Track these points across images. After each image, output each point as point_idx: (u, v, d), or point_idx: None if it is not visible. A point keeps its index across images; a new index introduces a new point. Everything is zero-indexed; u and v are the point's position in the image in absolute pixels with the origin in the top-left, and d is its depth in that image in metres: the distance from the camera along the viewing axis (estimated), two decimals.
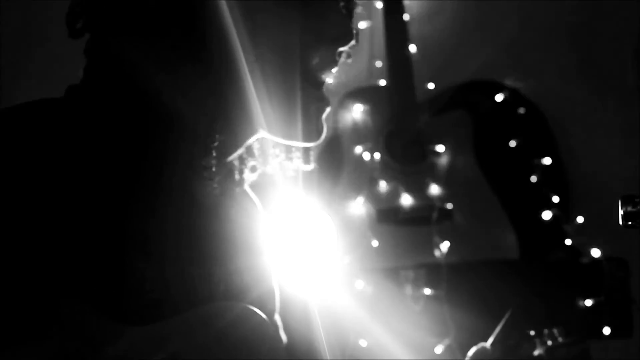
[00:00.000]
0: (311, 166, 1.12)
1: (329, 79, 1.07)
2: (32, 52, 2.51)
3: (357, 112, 2.58)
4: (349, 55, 1.08)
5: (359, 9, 1.08)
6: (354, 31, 1.06)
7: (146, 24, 0.99)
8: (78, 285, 0.92)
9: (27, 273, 0.91)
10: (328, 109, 1.06)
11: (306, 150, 1.11)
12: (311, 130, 1.04)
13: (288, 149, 1.11)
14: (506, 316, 1.39)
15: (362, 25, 2.63)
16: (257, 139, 1.09)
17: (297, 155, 1.11)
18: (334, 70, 1.06)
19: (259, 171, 1.12)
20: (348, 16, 1.06)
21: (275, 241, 1.17)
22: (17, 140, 0.95)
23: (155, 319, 0.95)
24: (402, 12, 2.57)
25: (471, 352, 1.35)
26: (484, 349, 1.34)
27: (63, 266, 0.92)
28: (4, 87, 2.35)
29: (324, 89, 1.06)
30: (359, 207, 2.48)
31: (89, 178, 0.97)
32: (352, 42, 1.06)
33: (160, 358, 0.90)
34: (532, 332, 1.35)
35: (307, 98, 1.03)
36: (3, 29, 2.46)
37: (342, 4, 1.05)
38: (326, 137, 1.07)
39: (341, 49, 1.05)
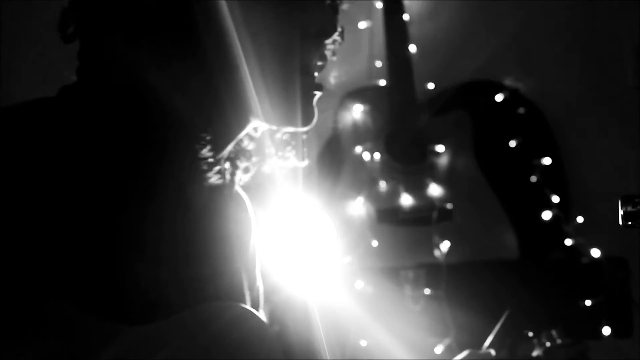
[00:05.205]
0: (305, 162, 1.12)
1: (321, 69, 1.08)
2: (32, 52, 2.51)
3: (357, 112, 2.58)
4: (333, 53, 1.09)
5: (344, 6, 1.10)
6: (338, 26, 1.08)
7: (143, 23, 0.99)
8: (73, 287, 0.92)
9: (20, 275, 0.91)
10: (319, 94, 1.07)
11: (301, 147, 1.12)
12: (303, 115, 1.05)
13: (282, 147, 1.12)
14: (504, 316, 1.38)
15: (362, 25, 2.64)
16: (250, 136, 1.10)
17: (292, 153, 1.12)
18: (323, 63, 1.07)
19: (252, 172, 1.13)
20: (333, 12, 1.07)
21: (272, 241, 1.17)
22: (9, 140, 0.95)
23: (151, 320, 0.95)
24: (402, 12, 2.57)
25: (460, 356, 1.34)
26: (474, 353, 1.34)
27: (57, 268, 0.92)
28: (3, 88, 2.35)
29: (316, 76, 1.07)
30: (359, 207, 2.48)
31: (83, 179, 0.97)
32: (337, 37, 1.07)
33: (159, 359, 0.90)
34: (530, 333, 1.35)
35: (299, 85, 1.04)
36: (3, 29, 2.46)
37: (328, 0, 1.06)
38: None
39: (327, 42, 1.07)
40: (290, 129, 1.08)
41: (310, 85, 1.06)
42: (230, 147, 1.07)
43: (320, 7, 1.06)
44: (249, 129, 1.08)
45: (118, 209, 0.98)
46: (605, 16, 2.71)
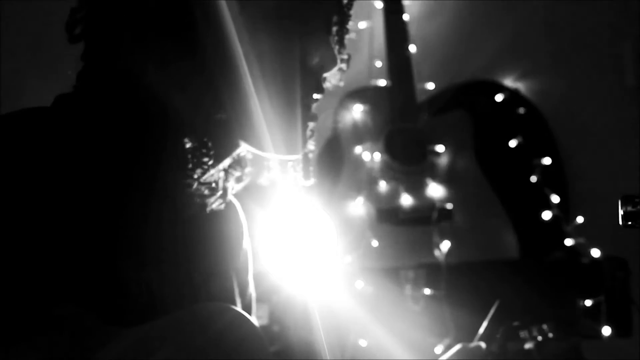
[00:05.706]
0: (311, 181, 1.12)
1: (317, 101, 1.08)
2: (33, 54, 2.51)
3: (357, 112, 2.59)
4: (340, 79, 1.10)
5: (352, 35, 1.10)
6: (343, 58, 1.08)
7: (146, 25, 0.99)
8: (72, 288, 0.92)
9: (23, 276, 0.91)
10: (313, 125, 1.07)
11: (307, 165, 1.12)
12: (292, 144, 1.05)
13: (285, 164, 1.11)
14: (493, 308, 1.38)
15: (362, 25, 2.64)
16: (245, 151, 1.10)
17: (294, 169, 1.11)
18: (320, 96, 1.07)
19: (245, 182, 1.13)
20: (338, 42, 1.07)
21: (272, 241, 1.17)
22: (10, 146, 0.95)
23: (149, 320, 0.95)
24: (402, 12, 2.58)
25: (450, 352, 1.34)
26: (464, 347, 1.33)
27: (58, 270, 0.92)
28: (4, 89, 2.35)
29: (313, 106, 1.07)
30: (359, 207, 2.48)
31: (82, 184, 0.97)
32: (339, 67, 1.07)
33: (157, 359, 0.90)
34: (521, 327, 1.34)
35: (296, 116, 1.05)
36: (3, 30, 2.46)
37: (334, 29, 1.06)
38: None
39: (325, 75, 1.07)
40: (275, 156, 1.08)
41: (305, 116, 1.06)
42: (219, 168, 1.07)
43: (321, 41, 1.05)
44: (237, 150, 1.08)
45: (117, 211, 0.99)
46: (605, 16, 2.71)
